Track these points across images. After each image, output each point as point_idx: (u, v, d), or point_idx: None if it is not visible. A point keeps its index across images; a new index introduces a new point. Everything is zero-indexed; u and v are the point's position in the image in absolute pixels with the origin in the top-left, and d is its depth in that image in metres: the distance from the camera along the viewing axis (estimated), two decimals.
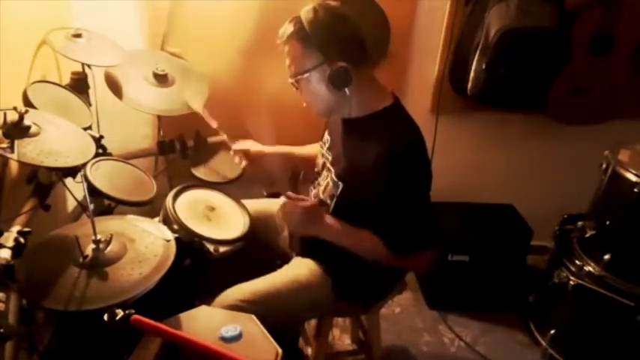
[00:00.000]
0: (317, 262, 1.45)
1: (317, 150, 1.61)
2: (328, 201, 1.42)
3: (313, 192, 1.53)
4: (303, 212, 1.34)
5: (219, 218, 1.47)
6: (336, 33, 1.24)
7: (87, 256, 1.07)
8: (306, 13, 1.25)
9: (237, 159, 1.61)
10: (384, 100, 1.35)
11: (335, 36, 1.24)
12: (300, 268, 1.44)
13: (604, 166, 1.85)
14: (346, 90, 1.27)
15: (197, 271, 1.34)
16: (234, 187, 1.66)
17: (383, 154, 1.26)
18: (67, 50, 1.52)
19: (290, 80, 1.33)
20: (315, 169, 1.55)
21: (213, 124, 1.63)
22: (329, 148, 1.49)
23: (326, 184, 1.45)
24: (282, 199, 1.36)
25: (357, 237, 1.34)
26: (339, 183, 1.39)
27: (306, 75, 1.29)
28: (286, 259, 1.51)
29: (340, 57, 1.24)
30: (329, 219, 1.37)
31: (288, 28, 1.28)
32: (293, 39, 1.27)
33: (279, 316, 1.32)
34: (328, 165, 1.46)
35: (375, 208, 1.30)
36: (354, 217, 1.35)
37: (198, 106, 1.67)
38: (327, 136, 1.52)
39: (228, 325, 1.01)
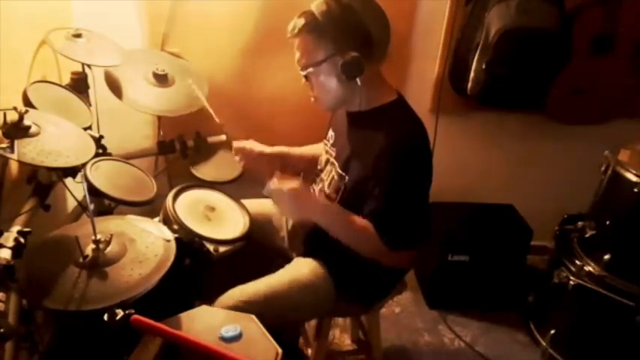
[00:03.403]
0: (318, 261, 1.45)
1: (316, 150, 1.61)
2: (334, 195, 1.42)
3: (317, 188, 1.53)
4: (291, 198, 1.32)
5: (219, 218, 1.47)
6: (348, 24, 1.25)
7: (87, 256, 1.07)
8: (317, 5, 1.27)
9: (237, 157, 1.61)
10: (389, 95, 1.36)
11: (347, 27, 1.25)
12: (301, 268, 1.44)
13: (604, 166, 1.85)
14: (357, 80, 1.27)
15: (197, 271, 1.33)
16: (234, 187, 1.66)
17: (387, 147, 1.27)
18: (67, 50, 1.52)
19: (302, 73, 1.34)
20: (318, 167, 1.55)
21: (217, 118, 1.64)
22: (333, 144, 1.50)
23: (330, 178, 1.45)
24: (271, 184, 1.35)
25: (350, 221, 1.32)
26: (345, 176, 1.39)
27: (318, 67, 1.29)
28: (286, 259, 1.51)
29: (352, 47, 1.25)
30: (322, 200, 1.37)
31: (299, 21, 1.28)
32: (305, 31, 1.28)
33: (280, 316, 1.32)
34: (332, 160, 1.47)
35: (377, 201, 1.30)
36: (359, 211, 1.34)
37: (203, 97, 1.67)
38: (331, 133, 1.53)
39: (228, 325, 1.01)
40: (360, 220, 1.32)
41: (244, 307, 1.27)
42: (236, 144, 1.61)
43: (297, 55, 1.33)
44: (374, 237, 1.30)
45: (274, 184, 1.33)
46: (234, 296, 1.31)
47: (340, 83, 1.30)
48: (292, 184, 1.32)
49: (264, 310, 1.25)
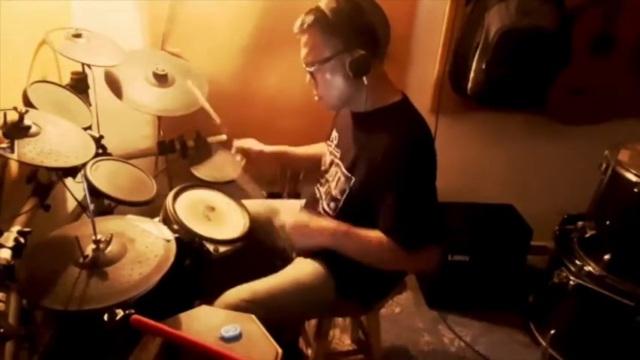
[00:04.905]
0: (319, 261, 1.45)
1: (317, 150, 1.61)
2: (339, 196, 1.42)
3: (322, 189, 1.52)
4: (295, 232, 1.35)
5: (219, 218, 1.47)
6: (357, 22, 1.25)
7: (87, 256, 1.06)
8: (326, 3, 1.26)
9: (237, 157, 1.61)
10: (394, 96, 1.36)
11: (356, 25, 1.25)
12: (302, 268, 1.44)
13: (604, 166, 1.85)
14: (364, 79, 1.27)
15: (197, 271, 1.34)
16: (234, 187, 1.66)
17: (392, 147, 1.27)
18: (67, 50, 1.52)
19: (308, 69, 1.33)
20: (322, 168, 1.55)
21: (217, 119, 1.65)
22: (337, 145, 1.49)
23: (337, 179, 1.44)
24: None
25: (362, 237, 1.32)
26: (351, 177, 1.38)
27: (324, 64, 1.29)
28: (286, 260, 1.51)
29: (359, 46, 1.25)
30: (330, 224, 1.35)
31: (307, 18, 1.28)
32: (314, 27, 1.27)
33: (281, 315, 1.32)
34: (337, 161, 1.46)
35: (384, 202, 1.30)
36: (364, 212, 1.34)
37: (202, 98, 1.69)
38: (334, 134, 1.52)
39: (228, 325, 1.01)
40: (371, 233, 1.31)
41: (246, 305, 1.27)
42: (237, 143, 1.62)
43: (304, 51, 1.32)
44: (390, 245, 1.29)
45: (280, 220, 1.35)
46: (236, 295, 1.31)
47: (346, 81, 1.29)
48: (297, 216, 1.35)
49: (265, 309, 1.25)
